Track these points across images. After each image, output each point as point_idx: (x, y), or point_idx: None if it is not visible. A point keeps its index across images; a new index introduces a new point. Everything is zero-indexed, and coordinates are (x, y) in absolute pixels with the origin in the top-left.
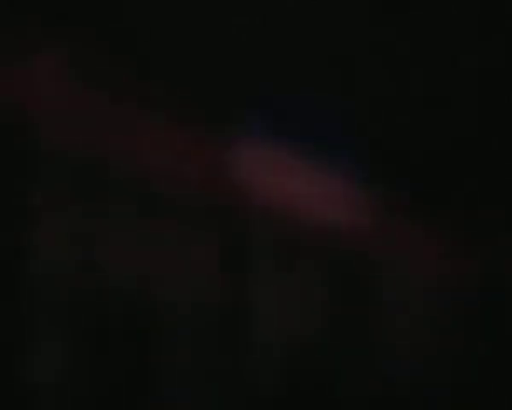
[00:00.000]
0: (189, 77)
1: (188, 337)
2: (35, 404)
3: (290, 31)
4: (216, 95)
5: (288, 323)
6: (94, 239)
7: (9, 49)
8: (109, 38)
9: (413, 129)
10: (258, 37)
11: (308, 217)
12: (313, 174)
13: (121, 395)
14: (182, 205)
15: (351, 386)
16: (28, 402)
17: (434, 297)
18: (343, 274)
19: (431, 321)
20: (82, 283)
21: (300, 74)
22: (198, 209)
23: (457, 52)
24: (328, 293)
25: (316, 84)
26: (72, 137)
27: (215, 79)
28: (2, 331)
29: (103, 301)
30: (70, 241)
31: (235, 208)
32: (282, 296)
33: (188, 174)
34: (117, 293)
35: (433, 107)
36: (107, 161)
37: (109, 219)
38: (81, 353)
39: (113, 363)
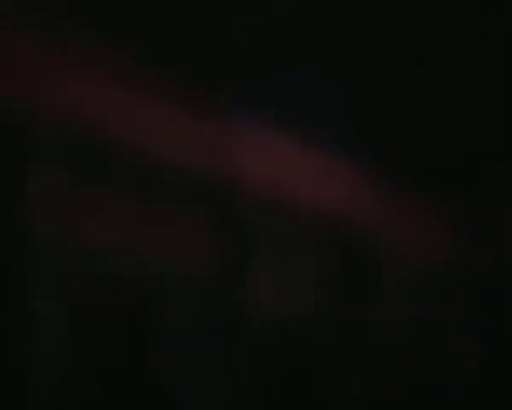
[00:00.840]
0: (189, 62)
1: (186, 324)
2: (30, 383)
3: (290, 22)
4: (215, 81)
5: (287, 309)
6: (92, 223)
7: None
8: (108, 23)
9: (410, 114)
10: (258, 27)
11: (306, 202)
12: (312, 159)
13: (119, 383)
14: (181, 190)
15: (347, 375)
16: (23, 382)
17: (434, 282)
18: (342, 260)
19: (429, 308)
20: (78, 267)
21: (298, 62)
22: (197, 195)
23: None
24: (328, 279)
25: (313, 71)
26: (71, 120)
27: (215, 64)
28: None
29: (100, 287)
30: (67, 226)
31: (233, 194)
32: (281, 283)
33: (186, 159)
34: (114, 278)
35: (429, 93)
36: (106, 145)
37: (108, 204)
38: (76, 338)
39: (110, 351)
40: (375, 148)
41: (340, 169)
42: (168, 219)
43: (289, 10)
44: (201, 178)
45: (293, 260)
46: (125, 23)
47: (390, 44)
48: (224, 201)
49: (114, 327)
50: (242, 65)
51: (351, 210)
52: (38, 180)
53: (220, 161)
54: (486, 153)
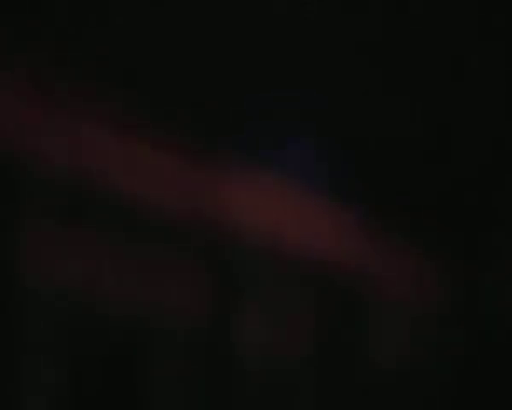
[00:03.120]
0: (176, 98)
1: (176, 364)
2: None
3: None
4: (202, 120)
5: (275, 349)
6: (80, 265)
7: None
8: (96, 63)
9: (398, 143)
10: (244, 49)
11: (296, 246)
12: (300, 199)
13: None
14: (170, 234)
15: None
16: None
17: (422, 318)
18: (332, 304)
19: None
20: (67, 309)
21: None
22: (186, 239)
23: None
24: (315, 319)
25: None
26: (57, 160)
27: (201, 100)
28: None
29: (90, 328)
30: (55, 267)
31: (223, 239)
32: (269, 322)
33: (175, 200)
34: (104, 319)
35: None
36: (94, 190)
37: (96, 245)
38: (69, 378)
39: (102, 389)
40: (366, 190)
41: (331, 213)
42: (157, 263)
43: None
44: (191, 222)
45: (283, 304)
46: (113, 63)
47: (375, 79)
48: (213, 245)
49: (103, 371)
50: (238, 103)
51: (341, 254)
52: (27, 225)
53: (210, 205)
54: (484, 199)
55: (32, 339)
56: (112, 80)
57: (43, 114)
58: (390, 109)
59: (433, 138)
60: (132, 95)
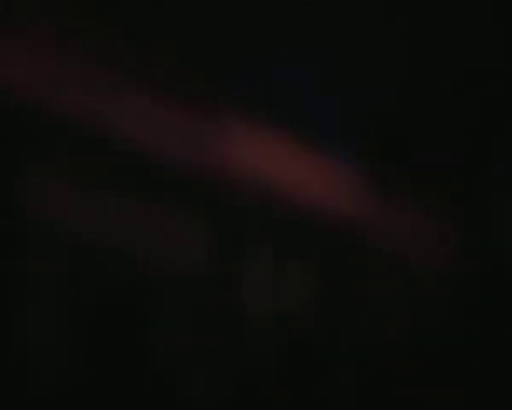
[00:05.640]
0: (181, 47)
1: (183, 312)
2: (28, 366)
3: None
4: (206, 67)
5: (281, 299)
6: (89, 212)
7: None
8: (107, 18)
9: (405, 107)
10: (246, 8)
11: (304, 202)
12: (311, 159)
13: (117, 370)
14: (177, 188)
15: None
16: (21, 364)
17: (426, 277)
18: (340, 259)
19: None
20: (77, 257)
21: (291, 46)
22: (192, 193)
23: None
24: (321, 271)
25: (309, 58)
26: (70, 109)
27: (205, 48)
28: None
29: (98, 275)
30: (67, 213)
31: (231, 193)
32: (271, 269)
33: (178, 149)
34: (111, 266)
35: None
36: (103, 142)
37: (104, 193)
38: (76, 326)
39: (109, 338)
40: (374, 148)
41: (340, 169)
42: (164, 217)
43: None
44: (198, 176)
45: (291, 259)
46: (123, 17)
47: (390, 44)
48: (221, 199)
49: (113, 319)
50: (232, 48)
51: (349, 210)
52: (37, 175)
53: (218, 159)
54: (486, 153)
55: (37, 282)
56: (120, 34)
57: (55, 60)
58: (394, 65)
59: (437, 88)
60: (142, 48)
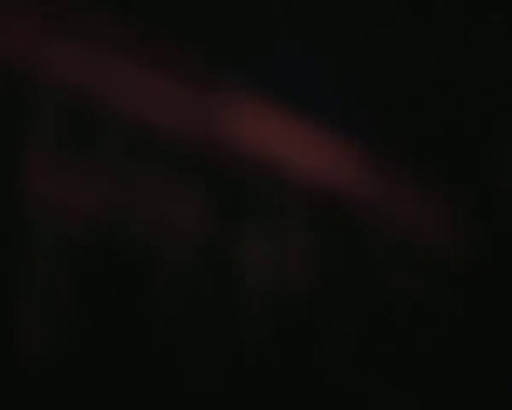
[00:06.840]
0: (187, 29)
1: (180, 283)
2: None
3: None
4: (210, 48)
5: (278, 269)
6: (85, 181)
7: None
8: None
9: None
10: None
11: (304, 173)
12: (311, 132)
13: (114, 338)
14: (178, 158)
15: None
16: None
17: (433, 256)
18: (338, 231)
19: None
20: (72, 226)
21: (291, 30)
22: (193, 163)
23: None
24: (317, 242)
25: (307, 38)
26: (70, 80)
27: (211, 31)
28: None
29: (93, 245)
30: (62, 182)
31: (231, 163)
32: (269, 242)
33: (184, 128)
34: (107, 236)
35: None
36: (103, 104)
37: (100, 163)
38: (74, 293)
39: (105, 307)
40: (375, 121)
41: (339, 142)
42: (164, 186)
43: None
44: (198, 146)
45: (289, 229)
46: None
47: (389, 25)
48: (220, 169)
49: (114, 287)
50: (243, 34)
51: (349, 183)
52: (35, 143)
53: (218, 130)
54: (485, 127)
55: (42, 257)
56: (124, 6)
57: (56, 33)
58: (393, 42)
59: (438, 68)
60: (146, 24)
